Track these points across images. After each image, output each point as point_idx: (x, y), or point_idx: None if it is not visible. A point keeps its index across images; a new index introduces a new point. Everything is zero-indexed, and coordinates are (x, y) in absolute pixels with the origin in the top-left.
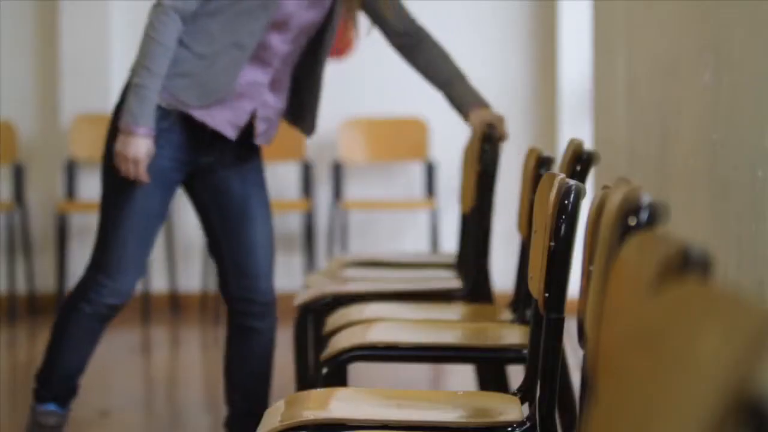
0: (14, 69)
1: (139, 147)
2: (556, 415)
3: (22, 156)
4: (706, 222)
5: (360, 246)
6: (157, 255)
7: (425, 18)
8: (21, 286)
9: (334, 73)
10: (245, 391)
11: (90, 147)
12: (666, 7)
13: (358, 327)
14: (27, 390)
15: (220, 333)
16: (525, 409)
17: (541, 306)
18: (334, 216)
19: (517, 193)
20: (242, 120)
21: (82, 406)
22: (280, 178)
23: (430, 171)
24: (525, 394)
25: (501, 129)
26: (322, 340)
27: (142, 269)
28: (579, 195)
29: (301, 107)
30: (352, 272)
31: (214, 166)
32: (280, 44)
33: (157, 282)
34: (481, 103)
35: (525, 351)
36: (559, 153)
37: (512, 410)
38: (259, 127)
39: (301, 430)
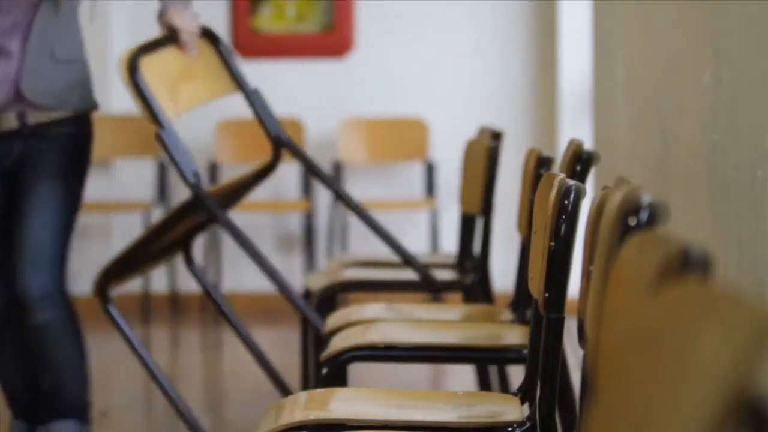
0: None
1: None
2: (556, 415)
3: None
4: (706, 222)
5: (360, 246)
6: None
7: (425, 18)
8: None
9: (334, 72)
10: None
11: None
12: (666, 7)
13: (358, 327)
14: None
15: (221, 333)
16: (525, 409)
17: (541, 306)
18: (334, 216)
19: (518, 193)
20: None
21: None
22: (280, 178)
23: (430, 171)
24: (525, 394)
25: (183, 37)
26: (323, 340)
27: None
28: (579, 195)
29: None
30: (352, 272)
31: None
32: None
33: (157, 282)
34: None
35: (525, 351)
36: (559, 153)
37: (512, 410)
38: None
39: (301, 430)
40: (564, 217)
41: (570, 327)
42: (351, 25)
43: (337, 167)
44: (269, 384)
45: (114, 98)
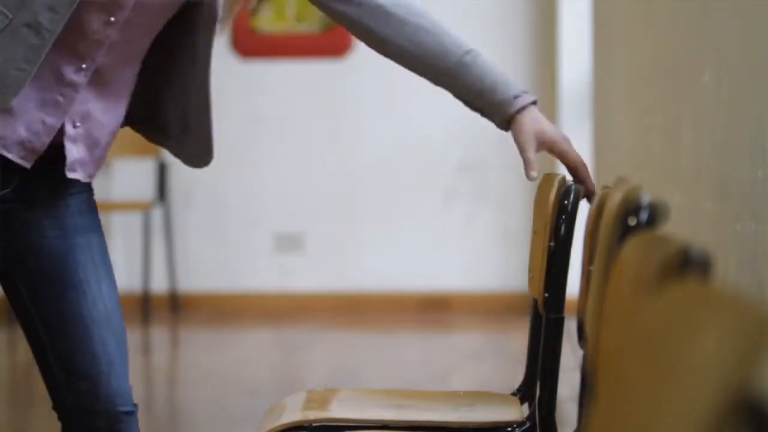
0: None
1: None
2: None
3: None
4: (706, 222)
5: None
6: (157, 255)
7: None
8: None
9: (334, 72)
10: None
11: None
12: (666, 7)
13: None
14: (27, 390)
15: (221, 333)
16: (525, 409)
17: (540, 306)
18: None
19: (517, 197)
20: (39, 138)
21: None
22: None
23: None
24: (525, 394)
25: (573, 164)
26: None
27: None
28: (578, 195)
29: (165, 124)
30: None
31: (13, 208)
32: (104, 28)
33: (157, 282)
34: (526, 98)
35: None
36: None
37: (512, 410)
38: (72, 150)
39: (300, 430)
40: (564, 216)
41: (570, 327)
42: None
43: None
44: (269, 384)
45: None
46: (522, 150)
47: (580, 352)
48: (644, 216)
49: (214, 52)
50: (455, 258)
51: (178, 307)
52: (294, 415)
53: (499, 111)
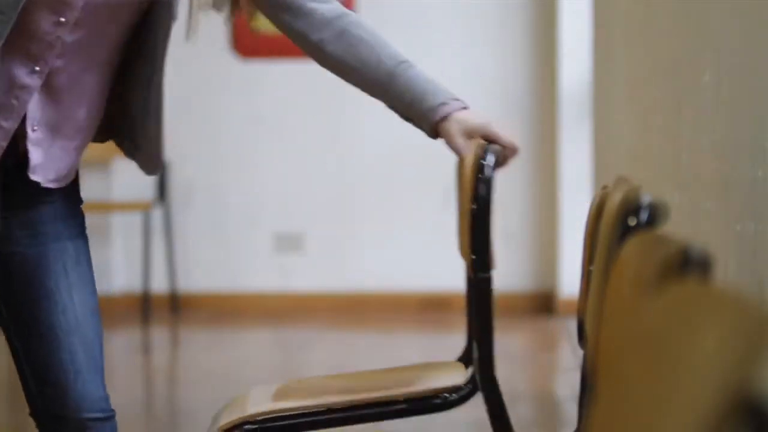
0: None
1: None
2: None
3: None
4: (706, 222)
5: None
6: (157, 255)
7: (425, 18)
8: None
9: None
10: None
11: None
12: (666, 7)
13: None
14: None
15: (221, 333)
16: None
17: (469, 268)
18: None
19: (517, 197)
20: None
21: None
22: None
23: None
24: (468, 359)
25: (506, 144)
26: None
27: None
28: (496, 156)
29: (132, 130)
30: None
31: None
32: (54, 29)
33: (157, 282)
34: (454, 105)
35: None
36: (560, 154)
37: (456, 376)
38: (33, 154)
39: (246, 424)
40: (481, 176)
41: (570, 327)
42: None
43: None
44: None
45: None
46: (457, 153)
47: (580, 352)
48: (644, 216)
49: (213, 52)
50: (455, 258)
51: (178, 307)
52: (238, 412)
53: (426, 119)
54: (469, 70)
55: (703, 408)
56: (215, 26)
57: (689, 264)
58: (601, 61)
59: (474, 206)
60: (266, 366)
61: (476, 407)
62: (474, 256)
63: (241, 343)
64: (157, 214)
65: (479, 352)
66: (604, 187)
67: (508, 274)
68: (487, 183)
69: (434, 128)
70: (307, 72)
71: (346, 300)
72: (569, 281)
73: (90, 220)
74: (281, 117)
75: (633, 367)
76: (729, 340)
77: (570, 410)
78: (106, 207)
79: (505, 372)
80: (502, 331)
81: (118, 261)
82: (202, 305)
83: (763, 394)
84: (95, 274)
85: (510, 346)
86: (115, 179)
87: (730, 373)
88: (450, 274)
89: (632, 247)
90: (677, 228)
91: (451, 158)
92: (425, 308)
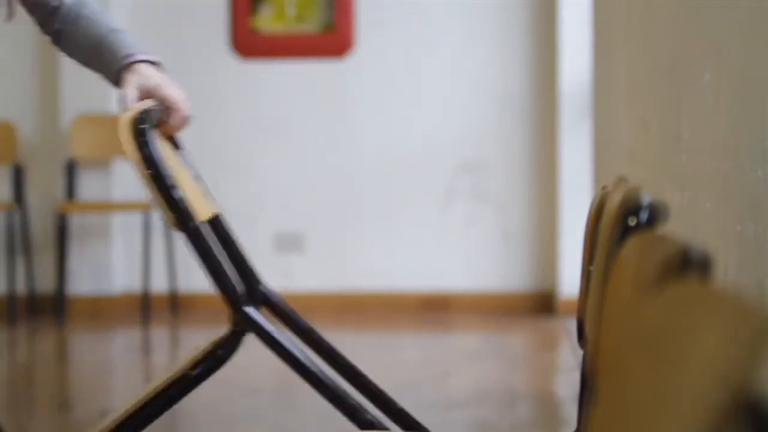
0: (14, 69)
1: None
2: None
3: (22, 156)
4: (706, 222)
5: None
6: (157, 255)
7: (423, 20)
8: (21, 287)
9: (334, 72)
10: None
11: (90, 147)
12: (666, 7)
13: None
14: (27, 390)
15: (221, 333)
16: None
17: (170, 225)
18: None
19: (517, 197)
20: None
21: (82, 406)
22: None
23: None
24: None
25: (175, 110)
26: None
27: None
28: (153, 118)
29: None
30: None
31: None
32: None
33: (157, 282)
34: (140, 57)
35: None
36: (560, 154)
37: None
38: None
39: None
40: (140, 140)
41: (570, 327)
42: (351, 25)
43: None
44: (270, 384)
45: (113, 98)
46: (122, 97)
47: (580, 352)
48: (644, 216)
49: (213, 52)
50: (455, 258)
51: (178, 307)
52: None
53: (111, 66)
54: (469, 70)
55: (703, 408)
56: (215, 26)
57: (689, 264)
58: (601, 61)
59: (149, 171)
60: (266, 366)
61: (476, 407)
62: (172, 213)
63: (241, 343)
64: (157, 214)
65: (224, 294)
66: (604, 187)
67: (508, 274)
68: (146, 145)
69: (117, 76)
70: (307, 72)
71: (347, 300)
72: (569, 281)
73: (90, 220)
74: (281, 117)
75: (633, 367)
76: (729, 341)
77: (570, 410)
78: (106, 207)
79: (505, 372)
80: (502, 331)
81: (118, 261)
82: (202, 305)
83: (763, 394)
84: (96, 274)
85: (510, 346)
86: (115, 179)
87: (730, 373)
88: (450, 274)
89: (632, 247)
90: (677, 228)
91: (451, 158)
92: (425, 308)
